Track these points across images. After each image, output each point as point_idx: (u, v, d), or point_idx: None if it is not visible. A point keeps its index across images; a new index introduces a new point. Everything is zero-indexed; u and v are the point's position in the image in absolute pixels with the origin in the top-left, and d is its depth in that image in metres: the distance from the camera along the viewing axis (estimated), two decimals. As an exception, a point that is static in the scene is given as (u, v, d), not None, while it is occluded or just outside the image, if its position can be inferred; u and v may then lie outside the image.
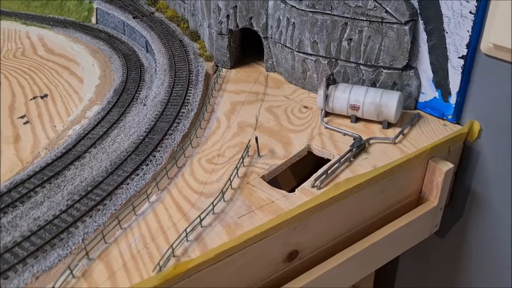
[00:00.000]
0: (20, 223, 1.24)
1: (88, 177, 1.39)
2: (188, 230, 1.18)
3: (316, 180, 1.35)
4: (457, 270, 1.83)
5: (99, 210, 1.26)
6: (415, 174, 1.52)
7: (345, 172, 1.40)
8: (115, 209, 1.27)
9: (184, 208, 1.29)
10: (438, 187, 1.51)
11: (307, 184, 1.37)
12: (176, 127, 1.60)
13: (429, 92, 1.62)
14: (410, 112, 1.66)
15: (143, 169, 1.41)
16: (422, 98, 1.65)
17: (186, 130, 1.59)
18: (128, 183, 1.36)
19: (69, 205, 1.28)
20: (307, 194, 1.33)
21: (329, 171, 1.38)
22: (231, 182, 1.35)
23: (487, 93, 1.47)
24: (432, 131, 1.57)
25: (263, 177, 1.41)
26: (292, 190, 1.95)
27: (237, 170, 1.39)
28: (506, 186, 1.52)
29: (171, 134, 1.56)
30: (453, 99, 1.56)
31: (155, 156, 1.46)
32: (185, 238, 1.17)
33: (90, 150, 1.51)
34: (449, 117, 1.59)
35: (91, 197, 1.31)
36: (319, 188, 1.34)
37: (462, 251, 1.77)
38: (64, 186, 1.36)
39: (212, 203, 1.26)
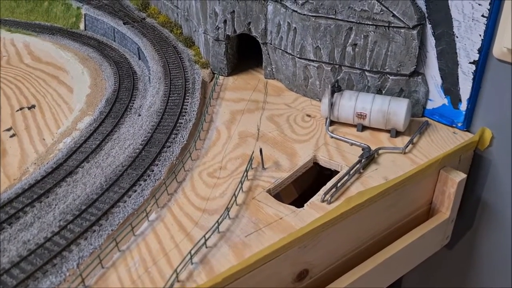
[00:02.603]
0: (8, 247, 1.13)
1: (82, 194, 1.30)
2: (192, 252, 1.09)
3: (326, 194, 1.28)
4: (465, 283, 1.77)
5: (94, 231, 1.17)
6: (426, 184, 1.46)
7: (356, 184, 1.33)
8: (112, 230, 1.18)
9: (186, 227, 1.20)
10: (450, 198, 1.45)
11: (316, 198, 1.29)
12: (174, 138, 1.51)
13: (437, 99, 1.56)
14: (417, 120, 1.60)
15: (140, 185, 1.32)
16: (430, 105, 1.59)
17: (185, 142, 1.50)
18: (125, 201, 1.26)
19: (62, 226, 1.18)
20: (317, 209, 1.25)
21: (338, 184, 1.31)
22: (235, 197, 1.26)
23: (499, 100, 1.42)
24: (442, 140, 1.50)
25: (269, 191, 1.33)
26: (294, 202, 1.88)
27: (242, 184, 1.31)
28: (519, 196, 1.47)
29: (169, 146, 1.47)
30: (463, 106, 1.50)
31: (153, 171, 1.37)
32: (190, 260, 1.09)
33: (82, 164, 1.42)
34: (459, 124, 1.53)
35: (85, 216, 1.21)
36: (330, 203, 1.26)
37: (471, 263, 1.71)
38: (56, 205, 1.27)
39: (217, 221, 1.17)
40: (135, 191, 1.30)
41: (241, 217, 1.23)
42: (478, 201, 1.60)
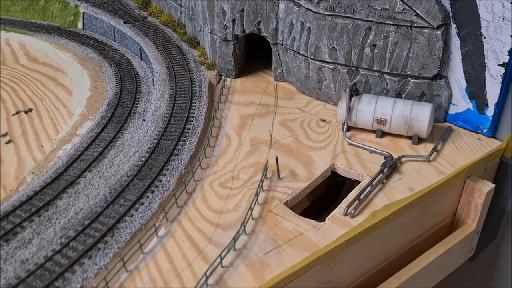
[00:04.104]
0: (5, 267, 1.04)
1: (84, 207, 1.20)
2: (207, 273, 1.00)
3: (348, 207, 1.19)
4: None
5: (99, 249, 1.07)
6: (452, 195, 1.37)
7: (379, 196, 1.24)
8: (118, 248, 1.08)
9: (199, 244, 1.11)
10: (477, 210, 1.36)
11: (337, 211, 1.20)
12: (182, 145, 1.41)
13: (461, 103, 1.47)
14: (439, 125, 1.51)
15: (148, 196, 1.22)
16: (452, 110, 1.51)
17: (194, 149, 1.41)
18: (132, 215, 1.17)
19: (64, 244, 1.08)
20: (340, 223, 1.16)
21: (361, 196, 1.22)
22: (251, 211, 1.17)
23: (529, 105, 1.33)
24: (467, 147, 1.42)
25: (286, 204, 1.24)
26: (305, 211, 1.79)
27: (257, 196, 1.22)
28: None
29: (177, 154, 1.38)
30: (490, 111, 1.41)
31: (161, 181, 1.28)
32: (205, 282, 0.99)
33: (84, 174, 1.32)
34: (485, 130, 1.44)
35: (89, 232, 1.11)
36: (353, 216, 1.17)
37: (494, 276, 1.63)
38: (56, 219, 1.17)
39: (234, 238, 1.08)
40: (143, 203, 1.20)
41: (258, 233, 1.14)
42: (503, 211, 1.51)
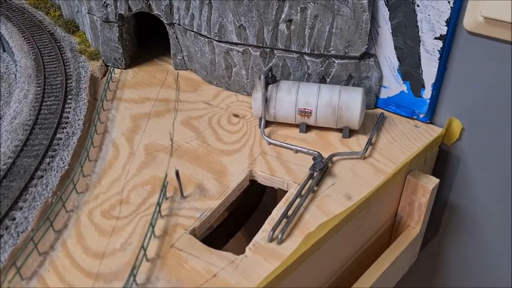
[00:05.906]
0: None
1: None
2: None
3: (274, 229, 0.91)
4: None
5: None
6: (392, 196, 1.17)
7: (311, 209, 0.98)
8: None
9: (69, 310, 0.78)
10: (421, 210, 1.17)
11: (261, 237, 0.92)
12: (49, 163, 1.05)
13: (393, 86, 1.26)
14: (370, 113, 1.29)
15: (-7, 245, 0.86)
16: (384, 94, 1.29)
17: (67, 167, 1.05)
18: (-35, 277, 0.80)
19: None
20: (264, 254, 0.88)
21: (289, 213, 0.95)
22: (145, 250, 0.85)
23: (470, 83, 1.15)
24: (404, 136, 1.21)
25: (193, 233, 0.93)
26: (224, 224, 1.51)
27: (153, 227, 0.90)
28: (494, 196, 1.22)
29: (42, 176, 1.01)
30: (427, 93, 1.21)
31: (14, 219, 0.91)
32: None
33: None
34: (421, 115, 1.25)
35: None
36: (281, 242, 0.90)
37: (437, 277, 1.47)
38: None
39: (118, 297, 0.76)
40: (-17, 257, 0.83)
41: (155, 281, 0.83)
42: (444, 206, 1.34)
